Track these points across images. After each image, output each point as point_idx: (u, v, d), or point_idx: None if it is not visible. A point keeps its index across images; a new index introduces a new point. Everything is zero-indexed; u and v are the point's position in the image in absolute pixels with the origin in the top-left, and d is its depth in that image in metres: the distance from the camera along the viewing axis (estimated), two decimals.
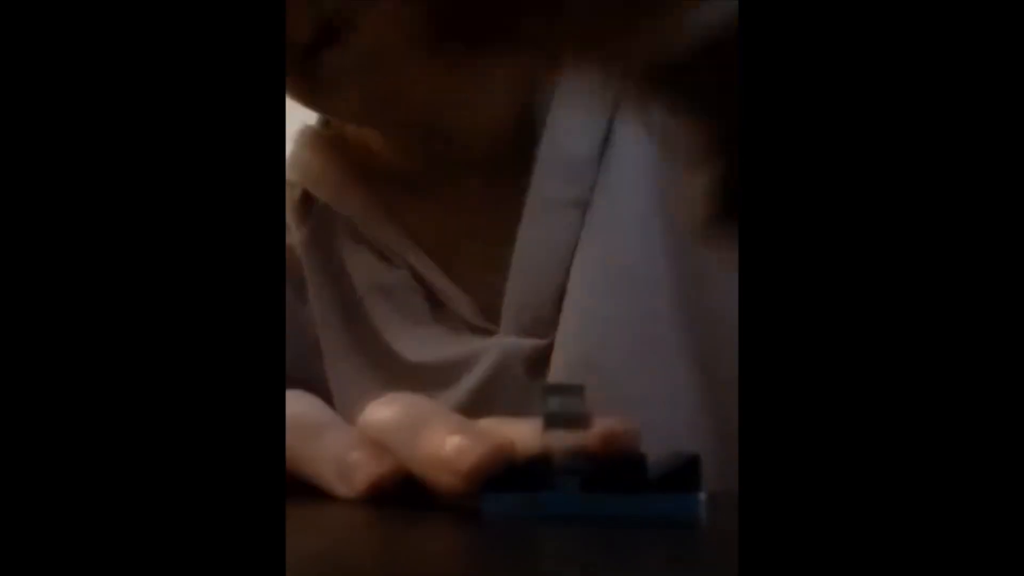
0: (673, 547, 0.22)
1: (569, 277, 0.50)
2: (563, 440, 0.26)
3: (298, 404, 0.33)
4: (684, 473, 0.25)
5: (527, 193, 0.51)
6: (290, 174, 0.59)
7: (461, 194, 0.56)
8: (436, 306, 0.55)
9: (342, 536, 0.24)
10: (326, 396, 0.55)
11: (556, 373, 0.49)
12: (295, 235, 0.58)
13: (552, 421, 0.26)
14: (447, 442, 0.27)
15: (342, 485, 0.29)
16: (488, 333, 0.53)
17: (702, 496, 0.25)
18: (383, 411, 0.31)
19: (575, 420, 0.26)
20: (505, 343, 0.51)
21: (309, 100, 0.49)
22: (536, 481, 0.25)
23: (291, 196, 0.58)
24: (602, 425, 0.27)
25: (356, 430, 0.31)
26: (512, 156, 0.54)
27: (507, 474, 0.26)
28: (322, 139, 0.59)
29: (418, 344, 0.54)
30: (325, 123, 0.60)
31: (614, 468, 0.25)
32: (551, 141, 0.52)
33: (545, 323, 0.49)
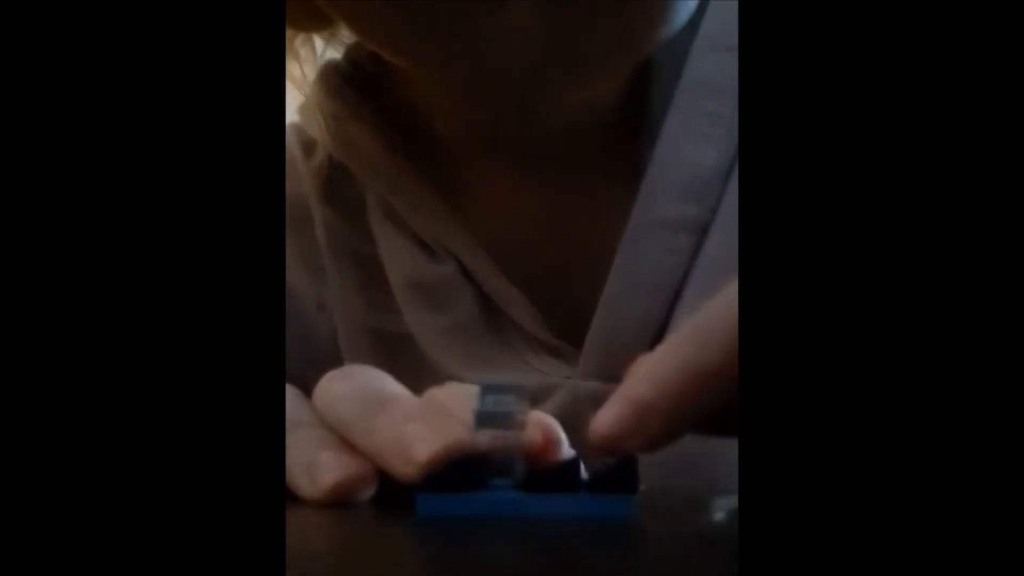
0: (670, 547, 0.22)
1: (673, 315, 0.40)
2: (495, 439, 0.25)
3: None
4: (619, 473, 0.25)
5: (634, 206, 0.41)
6: (311, 128, 0.46)
7: (537, 178, 0.44)
8: (488, 312, 0.44)
9: (342, 537, 0.24)
10: None
11: None
12: (316, 214, 0.46)
13: (483, 420, 0.25)
14: (405, 429, 0.26)
15: (307, 485, 0.28)
16: (552, 352, 0.43)
17: (636, 496, 0.25)
18: (338, 386, 0.30)
19: (506, 420, 0.25)
20: (578, 385, 0.41)
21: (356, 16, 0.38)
22: (470, 481, 0.25)
23: (312, 162, 0.45)
24: (536, 425, 0.27)
25: (328, 430, 0.30)
26: (612, 140, 0.43)
27: (440, 475, 0.25)
28: (356, 86, 0.45)
29: (463, 358, 0.43)
30: (355, 62, 0.46)
31: (548, 468, 0.25)
32: (668, 145, 0.41)
33: None
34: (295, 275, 0.47)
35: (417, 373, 0.40)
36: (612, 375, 0.35)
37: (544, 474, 0.25)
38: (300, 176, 0.47)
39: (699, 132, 0.41)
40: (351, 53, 0.46)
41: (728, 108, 0.41)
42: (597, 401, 0.29)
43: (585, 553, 0.20)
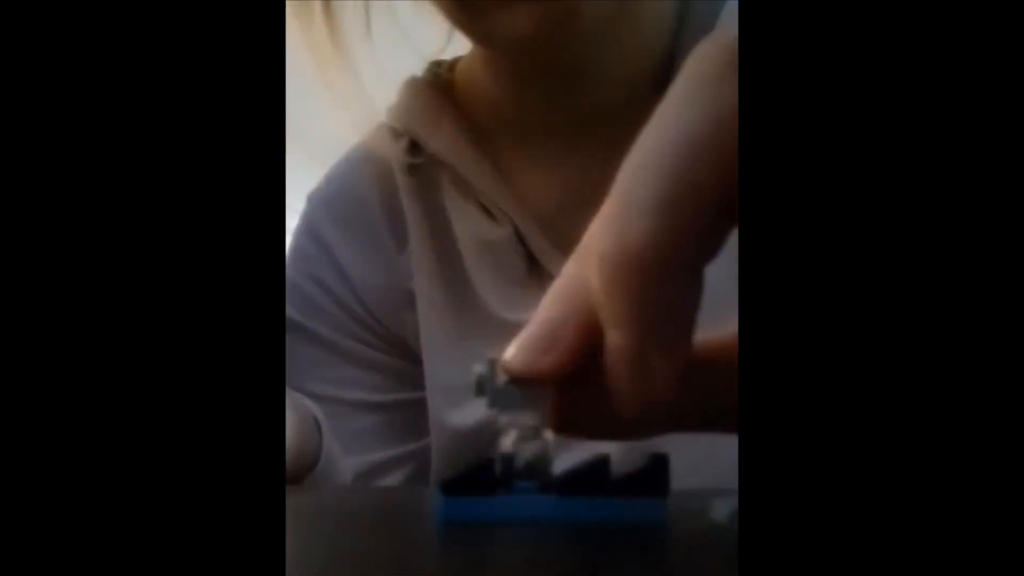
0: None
1: None
2: (521, 441, 0.25)
3: None
4: (650, 475, 0.24)
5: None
6: (397, 122, 0.58)
7: (579, 159, 0.55)
8: (534, 267, 0.55)
9: (342, 537, 0.24)
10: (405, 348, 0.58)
11: None
12: (401, 182, 0.58)
13: (498, 399, 0.24)
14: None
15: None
16: None
17: (666, 500, 0.24)
18: None
19: (519, 398, 0.25)
20: None
21: (474, 19, 0.49)
22: (495, 484, 0.24)
23: (398, 145, 0.58)
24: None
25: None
26: (642, 114, 0.56)
27: (464, 478, 0.24)
28: (435, 88, 0.59)
29: (510, 302, 0.54)
30: (436, 71, 0.60)
31: (576, 470, 0.24)
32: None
33: None
34: (384, 274, 0.59)
35: (469, 316, 0.54)
36: None
37: (572, 476, 0.24)
38: (390, 170, 0.59)
39: None
40: (431, 66, 0.60)
41: None
42: None
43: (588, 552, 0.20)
